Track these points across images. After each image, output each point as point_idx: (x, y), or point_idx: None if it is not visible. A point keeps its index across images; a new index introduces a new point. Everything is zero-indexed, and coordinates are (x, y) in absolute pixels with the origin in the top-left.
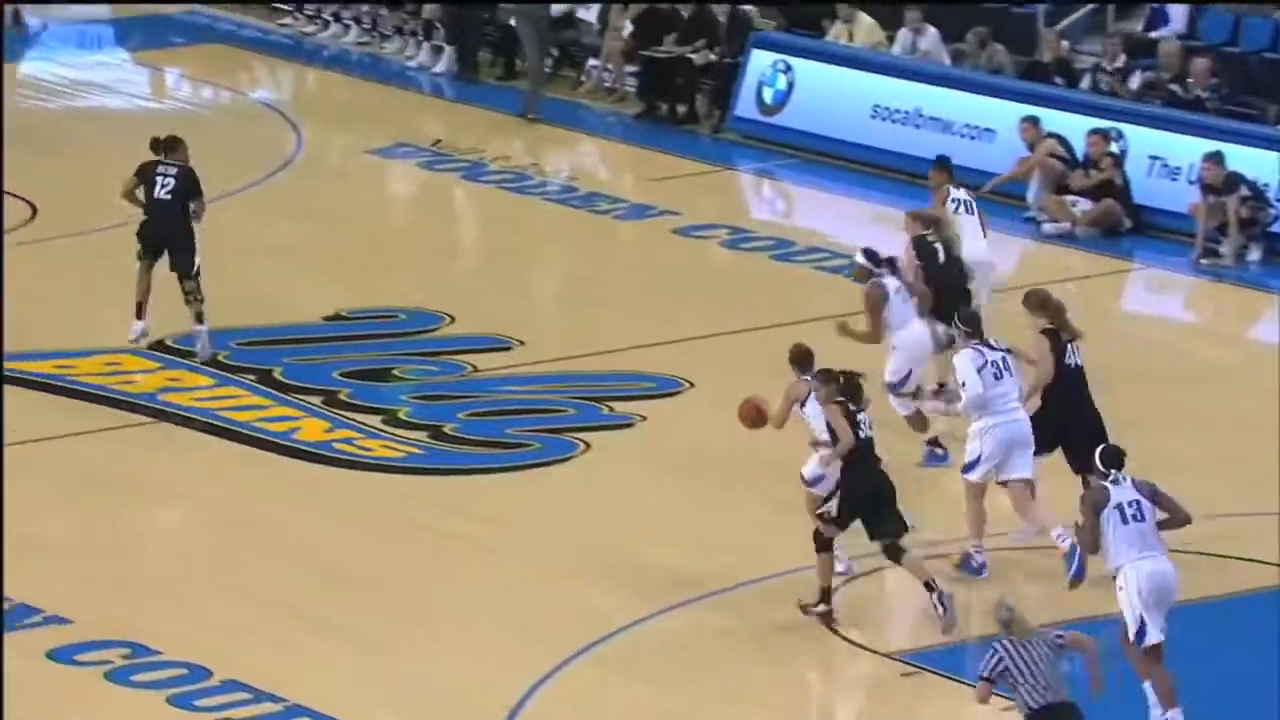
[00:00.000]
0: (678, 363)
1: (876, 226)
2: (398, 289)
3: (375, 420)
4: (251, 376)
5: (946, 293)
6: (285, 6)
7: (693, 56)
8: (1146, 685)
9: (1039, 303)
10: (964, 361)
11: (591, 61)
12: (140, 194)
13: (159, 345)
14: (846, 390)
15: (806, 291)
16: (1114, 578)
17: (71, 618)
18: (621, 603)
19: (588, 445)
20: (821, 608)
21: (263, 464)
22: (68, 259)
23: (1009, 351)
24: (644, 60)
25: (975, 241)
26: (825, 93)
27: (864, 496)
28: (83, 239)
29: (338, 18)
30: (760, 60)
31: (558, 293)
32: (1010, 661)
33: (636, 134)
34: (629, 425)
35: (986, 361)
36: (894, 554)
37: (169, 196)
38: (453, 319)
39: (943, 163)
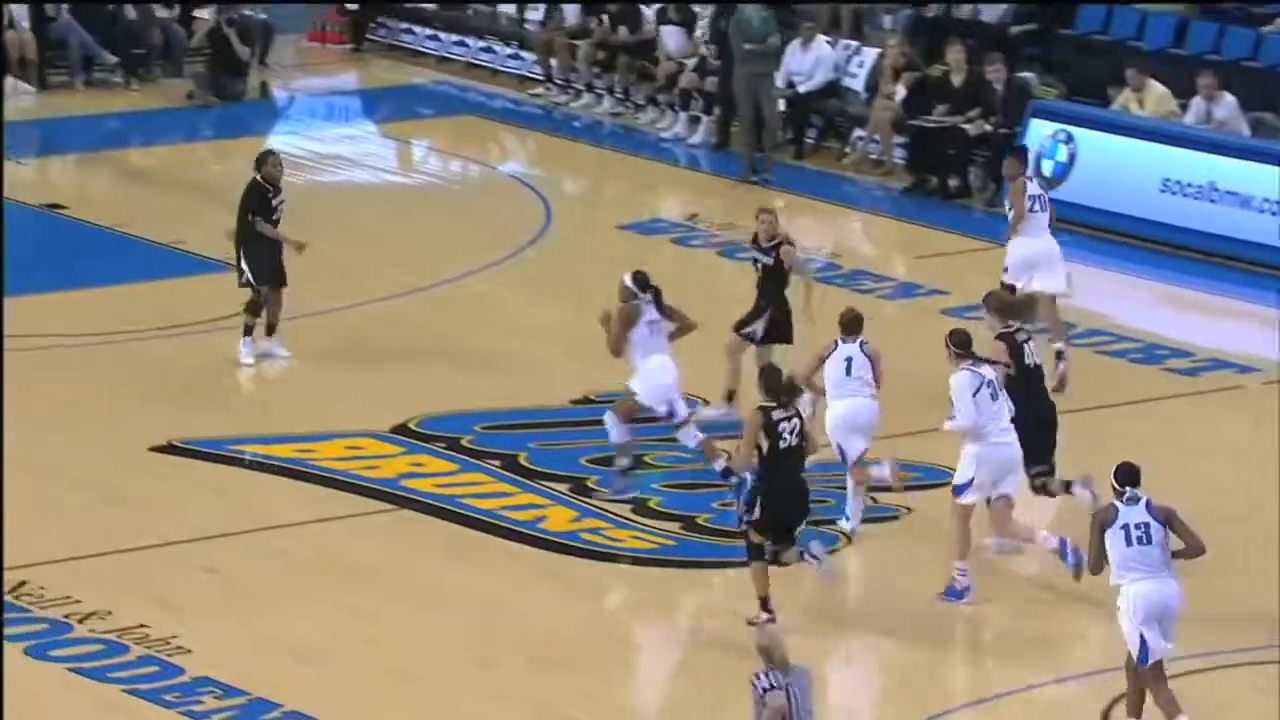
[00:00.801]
0: (949, 452)
1: (1166, 308)
2: None
3: (625, 509)
4: (496, 462)
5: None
6: (536, 76)
7: (966, 127)
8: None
9: (997, 305)
10: (959, 384)
11: (857, 132)
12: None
13: (401, 429)
14: (776, 391)
15: (1089, 376)
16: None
17: (315, 715)
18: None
19: (849, 538)
20: (763, 616)
21: (508, 554)
22: (312, 337)
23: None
24: (914, 131)
25: (1045, 236)
26: (1110, 165)
27: (781, 501)
28: (328, 317)
29: (590, 87)
30: (1039, 130)
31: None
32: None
33: (904, 208)
34: (894, 518)
35: (982, 383)
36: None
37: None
38: (706, 402)
39: (1021, 152)
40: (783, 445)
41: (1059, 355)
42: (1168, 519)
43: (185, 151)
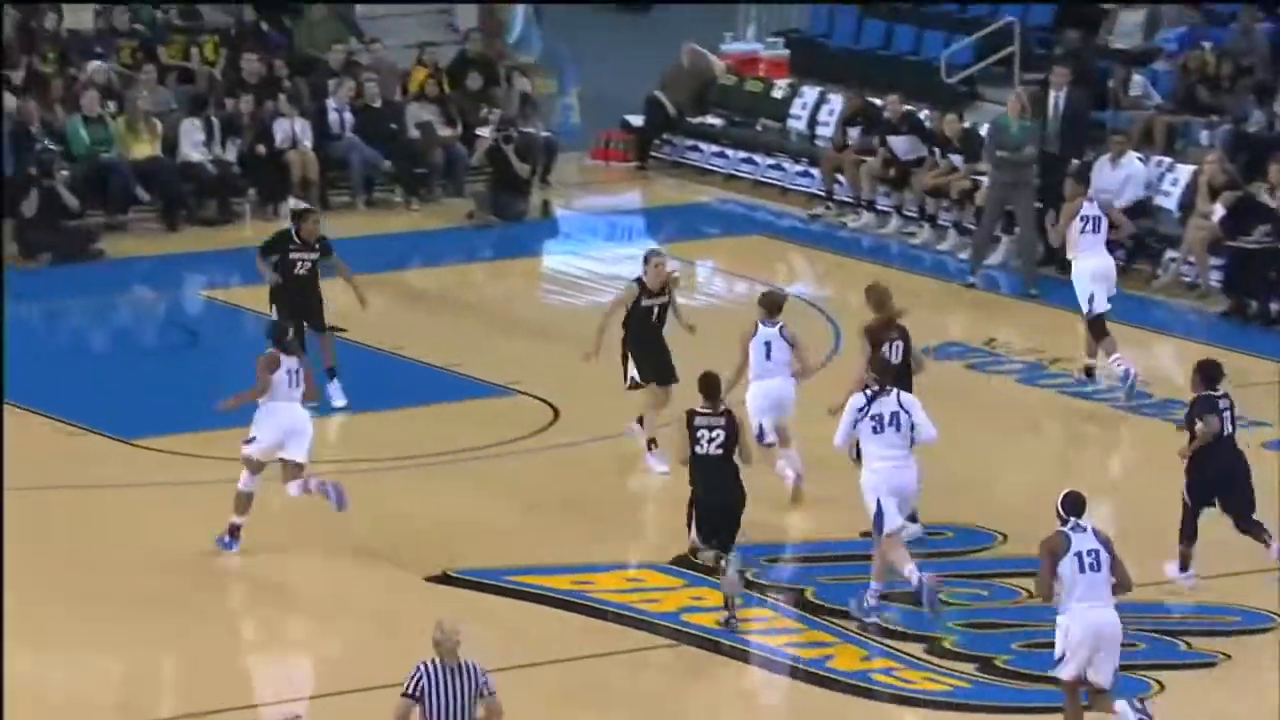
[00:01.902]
0: (1272, 597)
1: None
2: (944, 504)
3: (918, 649)
4: (781, 597)
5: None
6: (824, 194)
7: None
8: None
9: (876, 300)
10: (849, 405)
11: (1170, 253)
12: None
13: (683, 561)
14: (703, 392)
15: None
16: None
17: None
18: None
19: (1161, 686)
20: (725, 615)
21: (794, 694)
22: (589, 465)
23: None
24: (1232, 252)
25: (1100, 255)
26: None
27: (707, 508)
28: (605, 444)
29: (872, 206)
30: None
31: (1126, 511)
32: (429, 683)
33: (1221, 334)
34: (1211, 664)
35: (870, 413)
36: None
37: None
38: (1004, 537)
39: (1084, 174)
40: (699, 450)
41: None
42: (1109, 547)
43: (464, 272)
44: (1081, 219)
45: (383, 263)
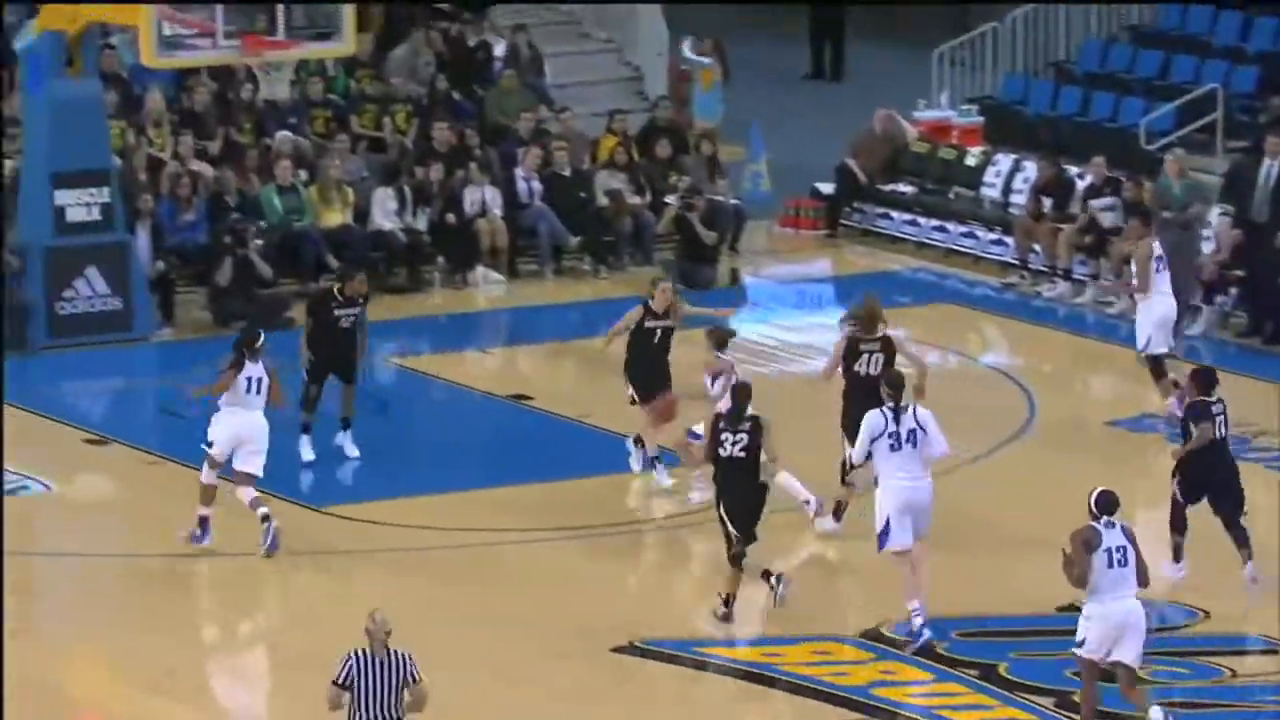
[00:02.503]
0: None
1: None
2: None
3: None
4: (974, 672)
5: None
6: (1018, 263)
7: None
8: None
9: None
10: (866, 422)
11: None
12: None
13: (873, 634)
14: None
15: None
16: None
17: None
18: None
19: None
20: (722, 610)
21: None
22: (775, 536)
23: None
24: None
25: (1168, 297)
26: None
27: (734, 506)
28: (790, 515)
29: (1068, 274)
30: None
31: None
32: (358, 672)
33: None
34: None
35: (886, 431)
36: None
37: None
38: (1207, 614)
39: (1147, 218)
40: (723, 454)
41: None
42: (1134, 542)
43: None
44: (1155, 259)
45: (570, 330)
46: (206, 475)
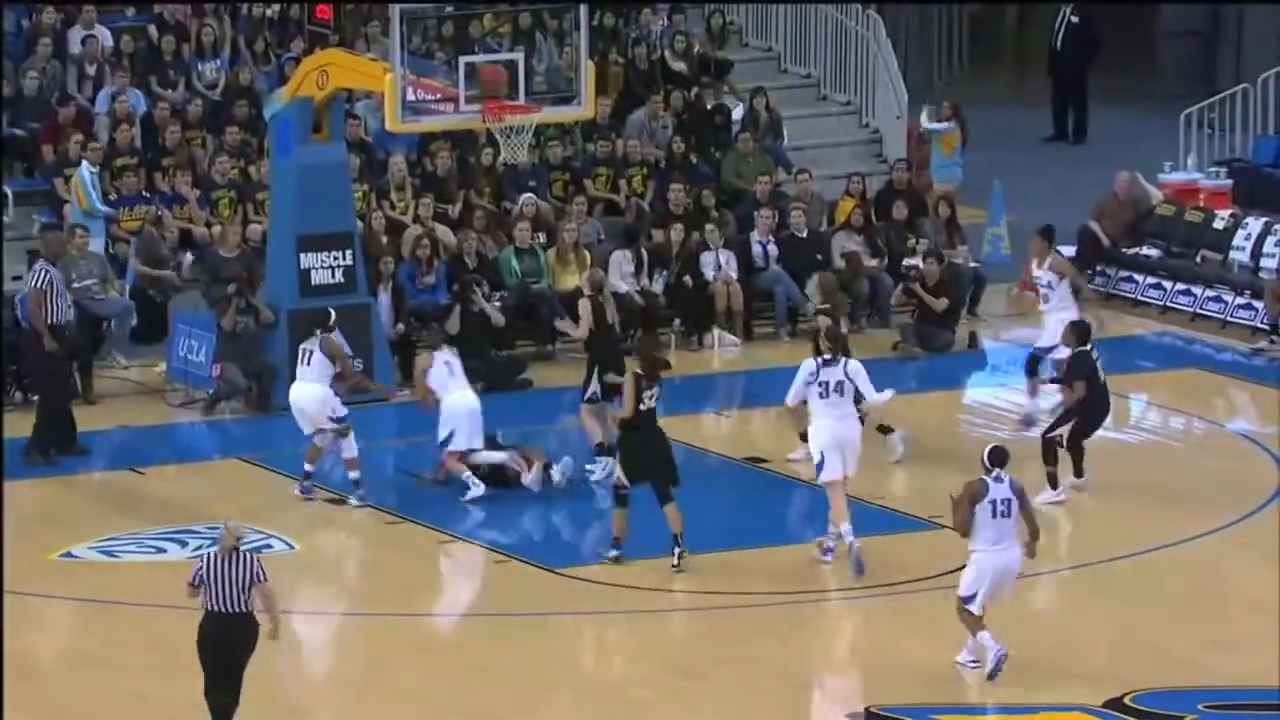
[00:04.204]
0: None
1: None
2: None
3: None
4: None
5: None
6: (1263, 327)
7: None
8: (976, 638)
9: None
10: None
11: None
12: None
13: (1116, 704)
14: (645, 368)
15: None
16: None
17: None
18: None
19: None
20: (613, 553)
21: None
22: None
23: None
24: None
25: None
26: None
27: (641, 455)
28: (1027, 579)
29: None
30: None
31: None
32: (208, 571)
33: None
34: None
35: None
36: (664, 500)
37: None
38: None
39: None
40: (642, 408)
41: None
42: (1021, 495)
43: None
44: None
45: None
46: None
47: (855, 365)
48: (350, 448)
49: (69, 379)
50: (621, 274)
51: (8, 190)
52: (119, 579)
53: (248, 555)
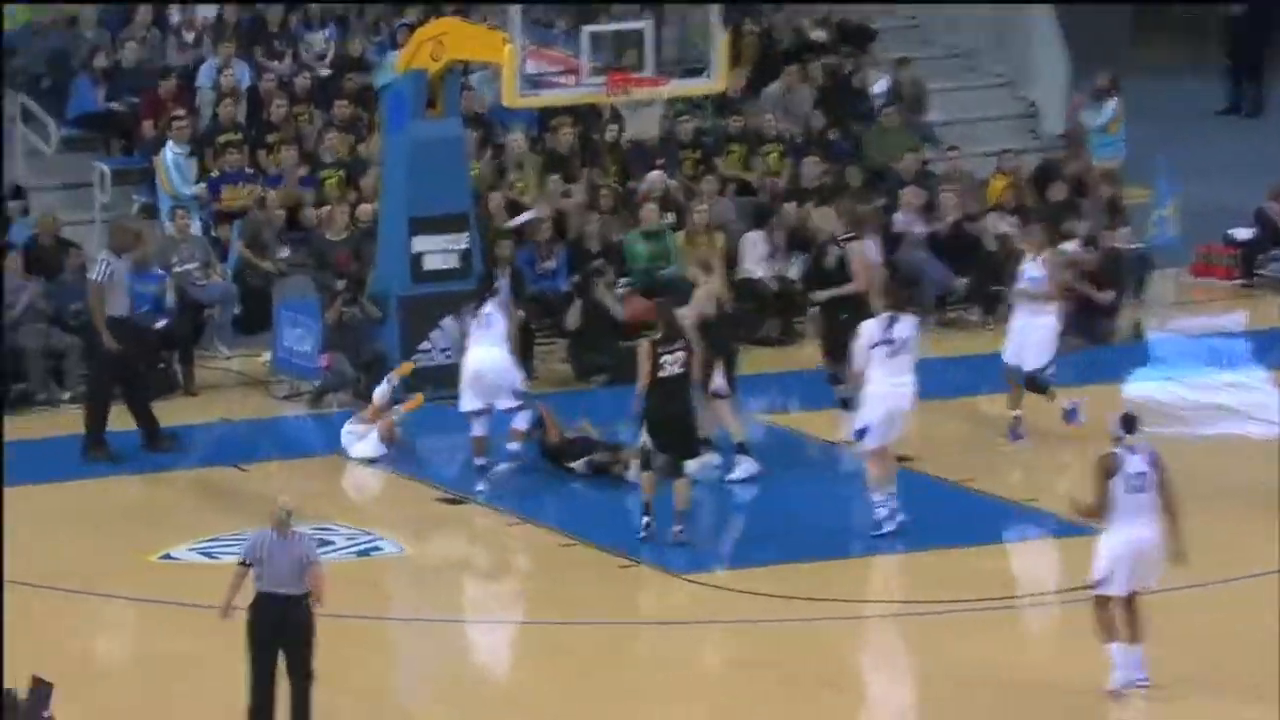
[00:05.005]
0: None
1: None
2: None
3: None
4: None
5: None
6: None
7: None
8: (1109, 647)
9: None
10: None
11: None
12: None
13: None
14: (663, 331)
15: None
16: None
17: None
18: None
19: None
20: (645, 519)
21: None
22: (1180, 618)
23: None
24: None
25: None
26: None
27: (660, 422)
28: (1194, 594)
29: None
30: None
31: None
32: (263, 551)
33: None
34: None
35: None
36: (675, 471)
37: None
38: None
39: None
40: (661, 374)
41: None
42: (1158, 466)
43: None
44: None
45: (953, 387)
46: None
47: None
48: (523, 418)
49: (138, 376)
50: (755, 258)
51: (105, 168)
52: (218, 580)
53: (301, 534)
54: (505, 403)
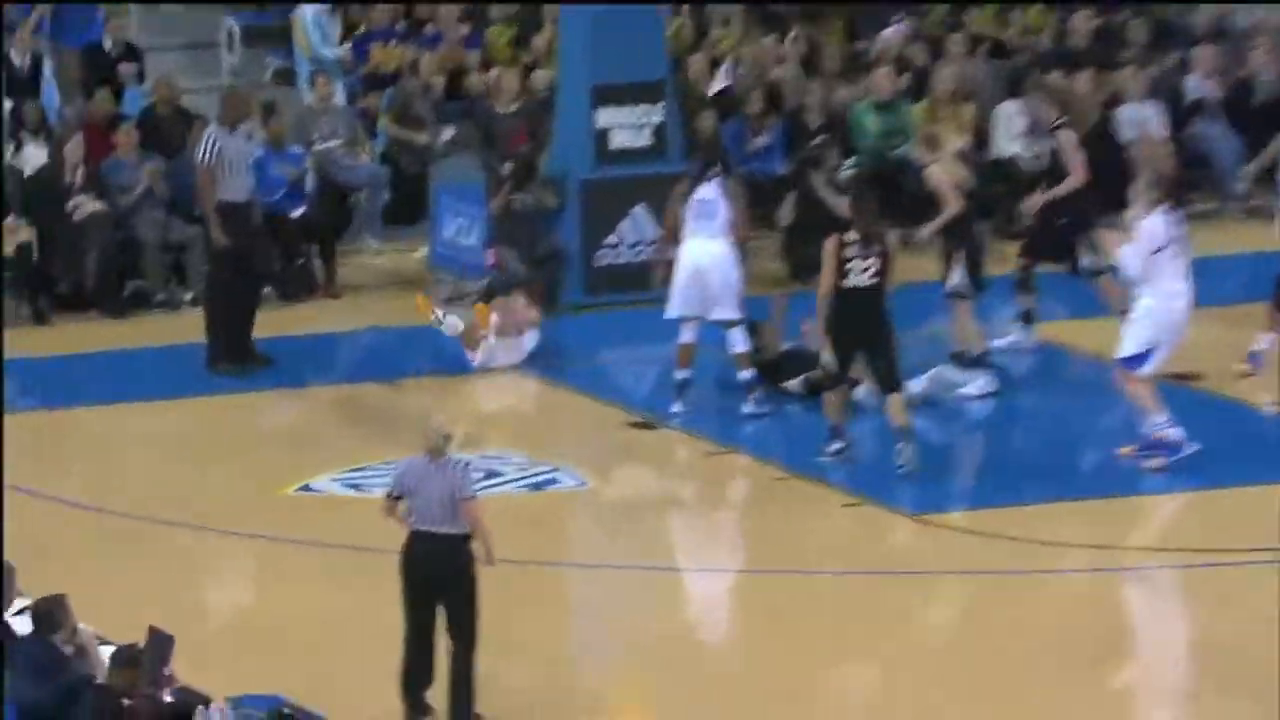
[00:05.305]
0: None
1: None
2: None
3: None
4: None
5: None
6: None
7: None
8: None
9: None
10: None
11: None
12: None
13: None
14: (858, 230)
15: None
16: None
17: None
18: None
19: None
20: (834, 446)
21: None
22: None
23: None
24: None
25: None
26: None
27: (843, 340)
28: None
29: None
30: None
31: None
32: (414, 479)
33: None
34: None
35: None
36: (883, 388)
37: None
38: None
39: None
40: (845, 283)
41: None
42: None
43: None
44: None
45: (1260, 288)
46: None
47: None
48: (742, 337)
49: (249, 275)
50: (1010, 133)
51: (234, 25)
52: (366, 518)
53: (454, 462)
54: (724, 312)
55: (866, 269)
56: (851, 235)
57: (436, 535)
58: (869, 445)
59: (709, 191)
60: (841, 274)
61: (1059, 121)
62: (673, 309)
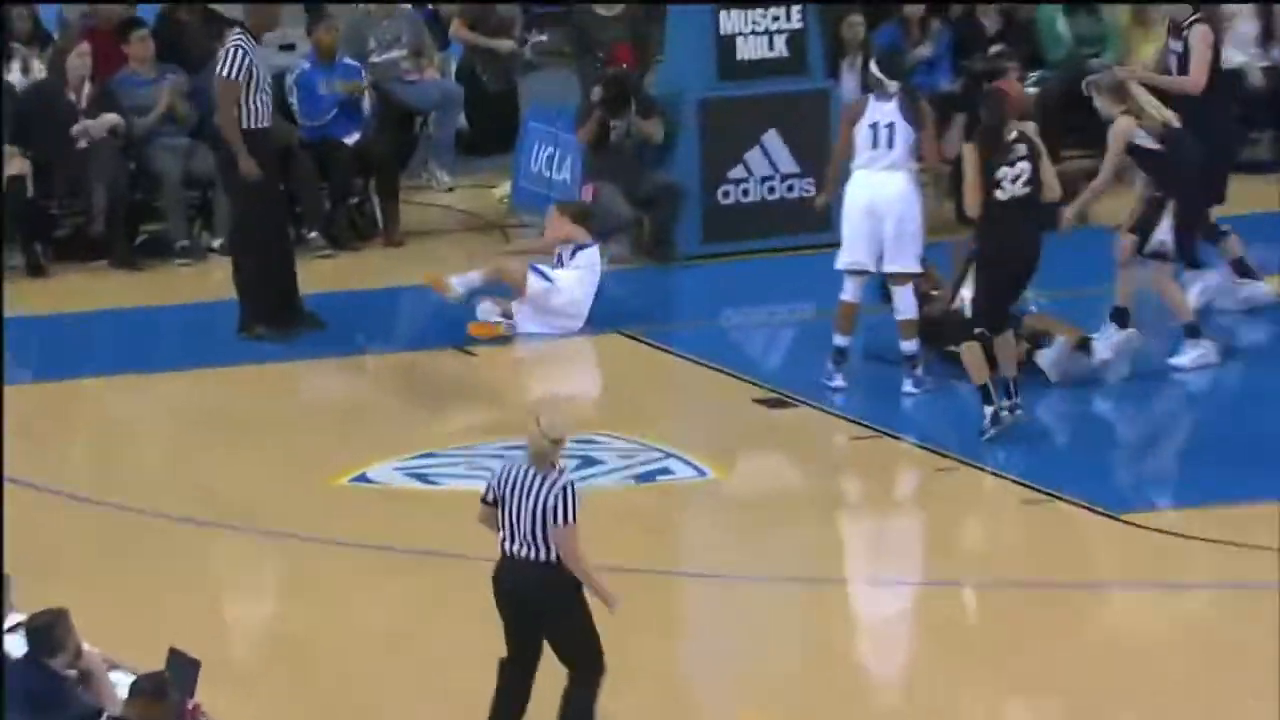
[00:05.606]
0: None
1: None
2: None
3: None
4: None
5: None
6: None
7: None
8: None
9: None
10: None
11: None
12: None
13: None
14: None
15: None
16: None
17: None
18: None
19: None
20: (989, 409)
21: None
22: None
23: None
24: None
25: None
26: None
27: (994, 262)
28: None
29: None
30: None
31: None
32: (508, 488)
33: None
34: None
35: None
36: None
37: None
38: None
39: None
40: (999, 196)
41: None
42: None
43: None
44: None
45: None
46: None
47: None
48: (911, 301)
49: (280, 216)
50: (1239, 42)
51: None
52: (436, 515)
53: (558, 479)
54: (901, 262)
55: (1016, 176)
56: (987, 138)
57: (527, 562)
58: (1059, 427)
59: (886, 113)
60: (990, 184)
61: (1193, 18)
62: (843, 258)
